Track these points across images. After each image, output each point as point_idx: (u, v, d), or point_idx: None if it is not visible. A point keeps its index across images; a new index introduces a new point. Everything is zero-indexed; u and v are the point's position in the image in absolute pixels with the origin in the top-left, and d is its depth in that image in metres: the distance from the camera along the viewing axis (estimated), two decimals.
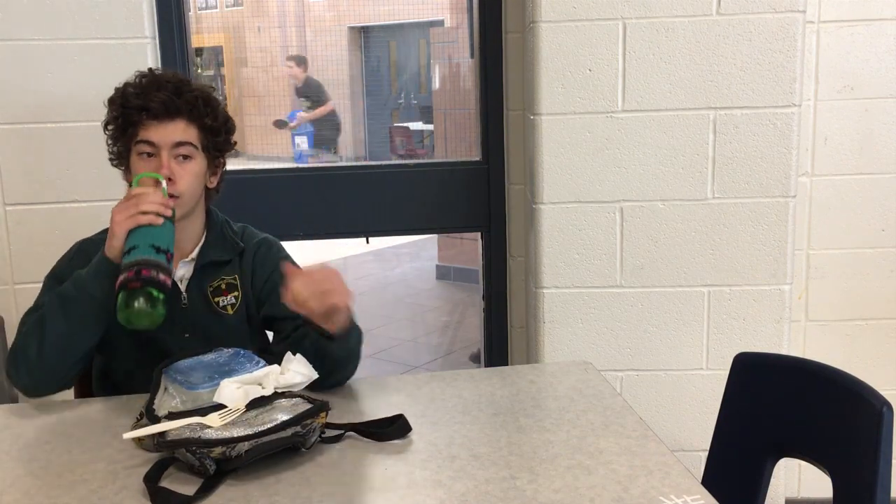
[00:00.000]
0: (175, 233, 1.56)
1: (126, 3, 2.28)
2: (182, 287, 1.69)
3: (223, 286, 1.72)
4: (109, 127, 1.66)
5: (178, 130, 1.62)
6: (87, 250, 1.68)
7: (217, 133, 1.68)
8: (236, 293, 1.73)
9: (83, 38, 2.29)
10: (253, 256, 1.75)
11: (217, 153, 1.70)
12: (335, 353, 1.57)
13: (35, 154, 2.32)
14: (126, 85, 1.65)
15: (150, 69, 1.69)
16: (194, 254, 1.71)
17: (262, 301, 1.75)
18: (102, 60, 2.29)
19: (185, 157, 1.63)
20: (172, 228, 1.53)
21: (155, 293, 1.43)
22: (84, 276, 1.55)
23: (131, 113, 1.61)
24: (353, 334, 1.59)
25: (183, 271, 1.70)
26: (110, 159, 1.70)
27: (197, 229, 1.72)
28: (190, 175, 1.63)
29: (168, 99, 1.60)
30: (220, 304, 1.71)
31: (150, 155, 1.61)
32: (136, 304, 1.41)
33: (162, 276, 1.45)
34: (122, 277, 1.44)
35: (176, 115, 1.61)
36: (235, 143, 1.76)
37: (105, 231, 1.69)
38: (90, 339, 1.58)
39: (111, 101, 1.65)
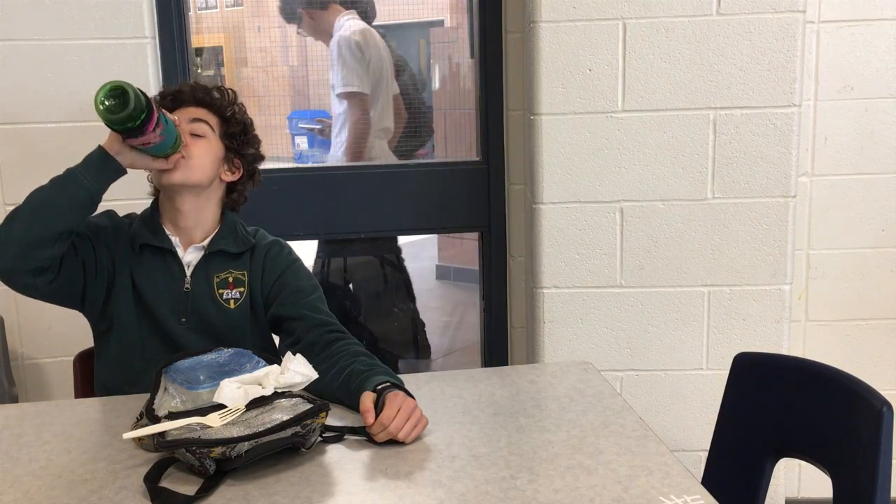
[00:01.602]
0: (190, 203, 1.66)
1: (126, 3, 2.28)
2: (188, 272, 1.73)
3: (230, 279, 1.75)
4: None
5: (198, 112, 1.74)
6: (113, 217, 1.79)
7: (235, 124, 1.77)
8: (242, 289, 1.75)
9: (83, 38, 2.29)
10: (264, 256, 1.78)
11: (232, 144, 1.77)
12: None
13: (35, 154, 2.32)
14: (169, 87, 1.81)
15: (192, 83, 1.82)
16: (205, 242, 1.75)
17: (269, 301, 1.76)
18: (102, 60, 2.29)
19: (200, 135, 1.72)
20: (174, 127, 1.61)
21: (141, 91, 1.48)
22: (78, 165, 1.63)
23: (165, 102, 1.74)
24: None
25: (191, 257, 1.74)
26: None
27: (210, 219, 1.77)
28: (201, 148, 1.71)
29: (196, 87, 1.76)
30: (224, 297, 1.74)
31: None
32: (118, 80, 1.48)
33: (149, 101, 1.50)
34: None
35: (201, 104, 1.75)
36: (256, 153, 1.83)
37: (128, 215, 1.81)
38: (63, 220, 1.59)
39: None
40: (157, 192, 1.78)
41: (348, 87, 3.01)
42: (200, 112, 1.75)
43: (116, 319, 1.72)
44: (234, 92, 1.80)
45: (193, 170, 1.70)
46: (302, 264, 1.82)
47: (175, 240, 1.74)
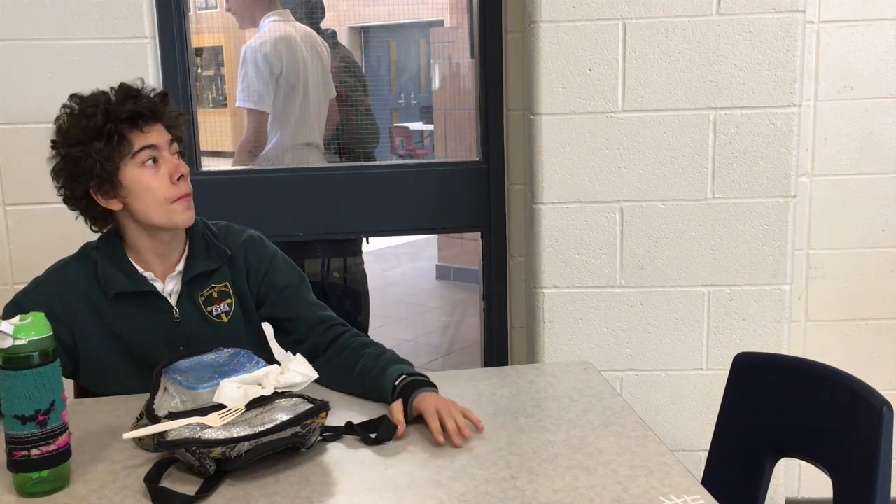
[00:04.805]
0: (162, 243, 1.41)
1: (126, 3, 2.28)
2: (172, 301, 1.66)
3: (215, 294, 1.68)
4: (96, 148, 1.53)
5: (168, 132, 1.60)
6: (52, 283, 1.63)
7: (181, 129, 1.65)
8: (229, 300, 1.69)
9: (83, 38, 2.29)
10: (243, 258, 1.71)
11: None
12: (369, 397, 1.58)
13: (35, 154, 2.31)
14: (98, 104, 1.56)
15: (123, 86, 1.61)
16: (180, 266, 1.67)
17: (261, 301, 1.73)
18: (102, 60, 2.29)
19: (181, 153, 1.62)
20: (50, 371, 1.25)
21: (34, 476, 1.26)
22: None
23: (123, 124, 1.55)
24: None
25: (171, 286, 1.66)
26: (80, 199, 1.59)
27: (179, 240, 1.67)
28: (188, 176, 1.61)
29: (151, 102, 1.57)
30: (214, 314, 1.68)
31: (154, 161, 1.58)
32: (22, 489, 1.27)
33: (35, 452, 1.24)
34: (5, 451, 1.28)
35: (159, 119, 1.59)
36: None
37: (81, 255, 1.67)
38: None
39: (91, 129, 1.53)
40: (108, 231, 1.65)
41: (244, 103, 2.91)
42: (168, 131, 1.61)
43: (106, 371, 1.66)
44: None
45: (192, 204, 1.62)
46: (281, 255, 1.76)
47: (149, 275, 1.64)
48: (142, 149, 1.57)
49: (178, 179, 1.59)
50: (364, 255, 3.25)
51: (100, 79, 2.28)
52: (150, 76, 2.31)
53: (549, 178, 2.23)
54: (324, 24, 3.20)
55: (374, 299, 3.37)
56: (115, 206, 1.59)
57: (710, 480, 1.67)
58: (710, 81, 2.17)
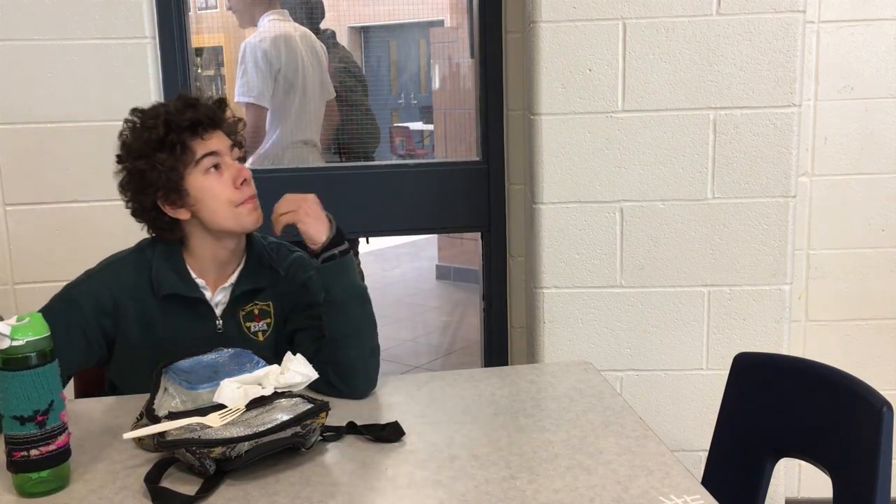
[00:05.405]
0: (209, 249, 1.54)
1: (126, 3, 2.28)
2: (218, 312, 1.67)
3: (256, 311, 1.69)
4: (160, 159, 1.55)
5: (223, 136, 1.62)
6: (102, 279, 1.64)
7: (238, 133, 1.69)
8: (268, 321, 1.70)
9: (83, 38, 2.29)
10: (283, 280, 1.72)
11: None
12: (339, 299, 1.60)
13: (35, 154, 2.32)
14: (158, 115, 1.57)
15: (182, 96, 1.63)
16: (233, 279, 1.68)
17: (286, 319, 1.72)
18: (102, 60, 2.29)
19: (242, 158, 1.65)
20: (48, 372, 1.25)
21: (33, 476, 1.25)
22: None
23: (184, 133, 1.57)
24: (346, 267, 1.64)
25: (220, 297, 1.67)
26: (149, 210, 1.60)
27: (240, 250, 1.69)
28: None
29: (210, 110, 1.60)
30: (251, 330, 1.68)
31: (216, 167, 1.59)
32: (22, 489, 1.26)
33: (34, 453, 1.24)
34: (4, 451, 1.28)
35: (230, 127, 1.64)
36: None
37: (137, 251, 1.68)
38: None
39: (154, 141, 1.55)
40: (167, 236, 1.64)
41: (243, 98, 2.92)
42: (227, 136, 1.63)
43: (132, 378, 1.65)
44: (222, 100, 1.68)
45: (258, 206, 1.64)
46: (314, 277, 1.75)
47: (201, 282, 1.65)
48: (204, 156, 1.58)
49: (242, 183, 1.61)
50: (364, 255, 3.25)
51: (100, 79, 2.31)
52: (150, 76, 2.31)
53: (549, 178, 2.23)
54: (324, 25, 3.21)
55: (374, 299, 3.37)
56: (182, 215, 1.61)
57: (710, 480, 1.67)
58: (710, 81, 2.17)
